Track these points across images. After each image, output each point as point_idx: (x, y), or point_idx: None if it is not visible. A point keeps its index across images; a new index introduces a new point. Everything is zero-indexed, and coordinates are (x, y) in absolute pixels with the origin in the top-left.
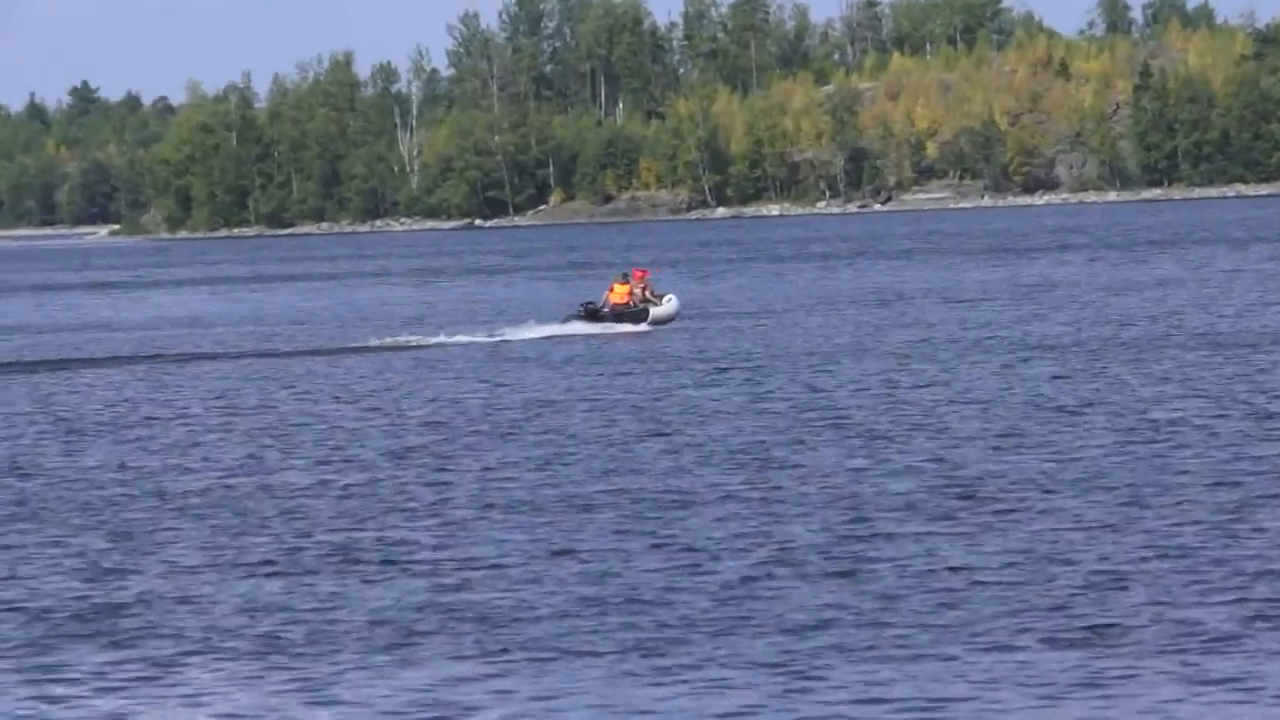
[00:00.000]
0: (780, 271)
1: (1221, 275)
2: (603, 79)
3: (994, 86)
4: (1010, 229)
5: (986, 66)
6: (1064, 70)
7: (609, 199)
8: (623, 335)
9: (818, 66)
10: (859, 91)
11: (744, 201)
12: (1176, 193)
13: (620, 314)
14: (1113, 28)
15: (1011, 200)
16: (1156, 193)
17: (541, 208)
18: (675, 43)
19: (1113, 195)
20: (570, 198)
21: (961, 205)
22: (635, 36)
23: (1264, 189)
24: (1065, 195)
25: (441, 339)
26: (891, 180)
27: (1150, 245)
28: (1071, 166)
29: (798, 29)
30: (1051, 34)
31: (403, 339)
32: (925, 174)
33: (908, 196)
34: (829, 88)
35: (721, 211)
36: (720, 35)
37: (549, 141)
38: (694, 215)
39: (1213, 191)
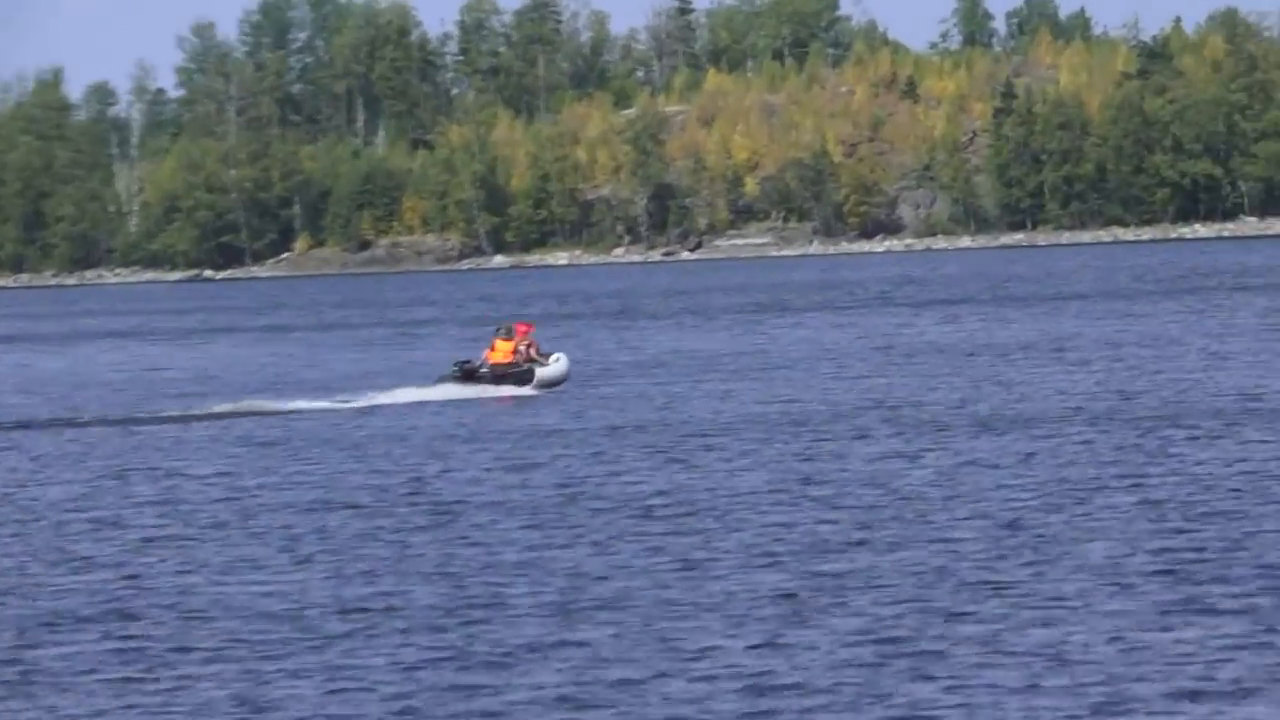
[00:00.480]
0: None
1: (1067, 338)
2: (361, 101)
3: (828, 110)
4: (841, 280)
5: (819, 87)
6: (911, 91)
7: (365, 245)
8: (504, 399)
9: (618, 86)
10: (666, 116)
11: (526, 248)
12: (1042, 237)
13: (502, 375)
14: (970, 40)
15: (846, 247)
16: (1019, 237)
17: (284, 256)
18: (449, 58)
19: (966, 240)
20: (319, 244)
21: (786, 253)
22: (400, 50)
23: (1145, 233)
24: (910, 240)
25: (298, 405)
26: (703, 223)
27: (1007, 300)
28: (918, 206)
29: (594, 42)
30: (897, 48)
31: (250, 405)
32: (744, 215)
33: (722, 242)
34: (631, 112)
35: (499, 260)
36: (502, 50)
37: (295, 176)
38: (466, 264)
39: (1085, 235)
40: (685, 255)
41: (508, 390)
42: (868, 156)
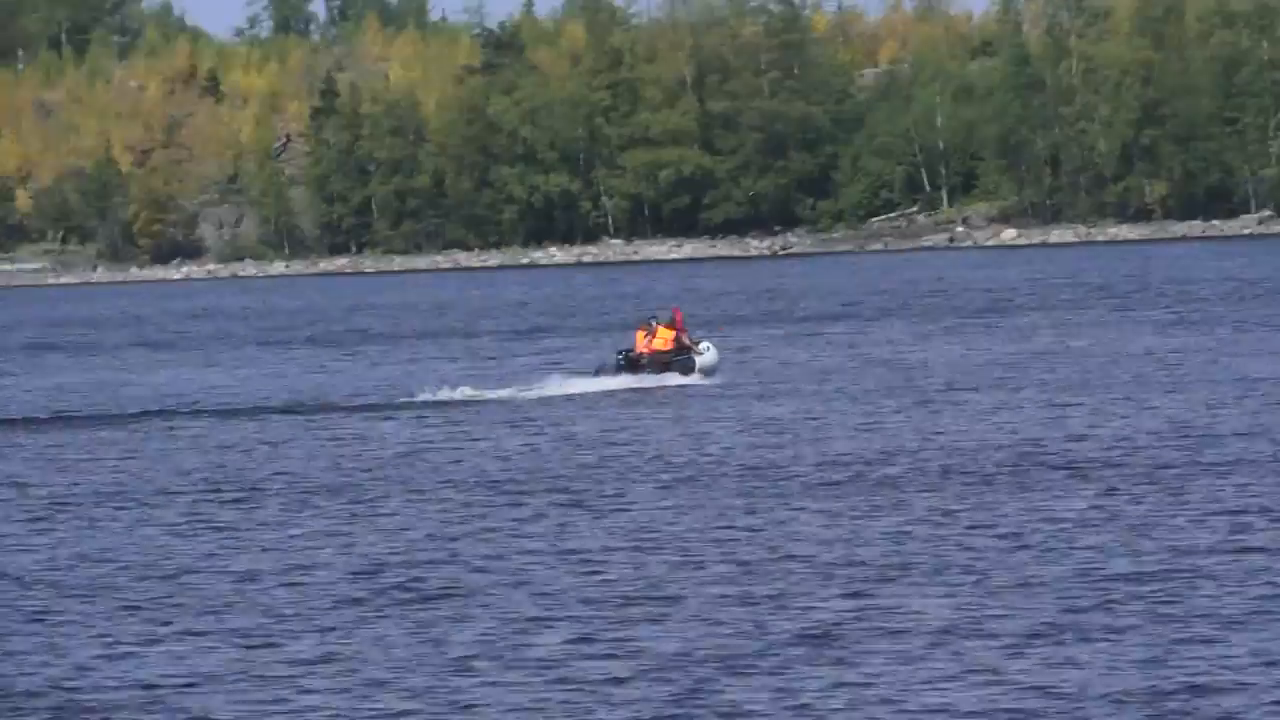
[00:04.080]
0: None
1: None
2: None
3: (114, 111)
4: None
5: (104, 82)
6: (214, 87)
7: None
8: (674, 389)
9: None
10: None
11: None
12: (369, 262)
13: (666, 363)
14: (284, 28)
15: (137, 274)
16: (341, 262)
17: None
18: None
19: (280, 266)
20: None
21: (66, 280)
22: None
23: (492, 257)
24: (213, 266)
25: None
26: None
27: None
28: (222, 225)
29: None
30: (197, 36)
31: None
32: (14, 236)
33: None
34: None
35: None
36: None
37: None
38: None
39: (421, 261)
40: None
41: (674, 379)
42: (162, 166)
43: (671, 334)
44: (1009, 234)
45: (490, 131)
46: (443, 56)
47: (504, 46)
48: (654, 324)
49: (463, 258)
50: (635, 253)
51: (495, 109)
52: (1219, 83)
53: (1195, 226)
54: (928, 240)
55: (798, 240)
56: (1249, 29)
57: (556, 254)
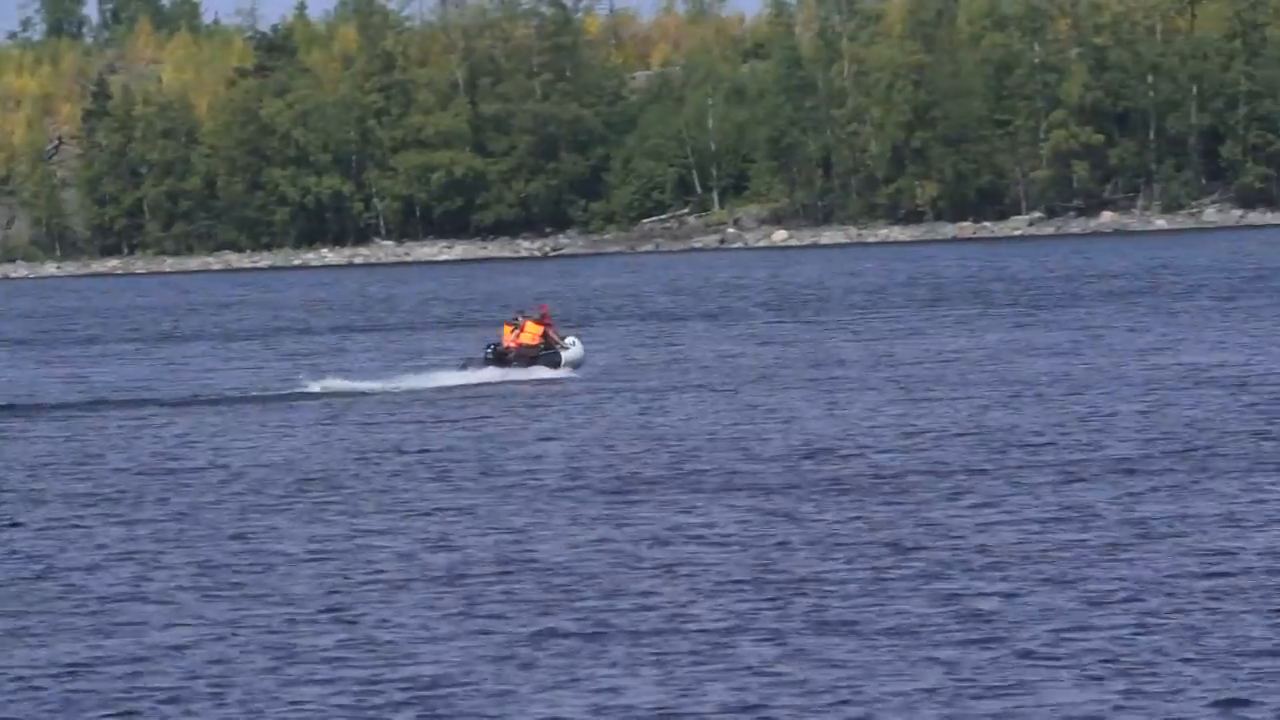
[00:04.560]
0: None
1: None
2: None
3: None
4: None
5: None
6: None
7: None
8: (539, 382)
9: None
10: None
11: None
12: (141, 263)
13: (533, 357)
14: (57, 30)
15: None
16: (113, 263)
17: None
18: None
19: (52, 268)
20: None
21: None
22: None
23: (264, 259)
24: None
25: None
26: None
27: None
28: None
29: None
30: None
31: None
32: None
33: None
34: None
35: None
36: None
37: None
38: None
39: (193, 262)
40: None
41: (541, 372)
42: None
43: (539, 329)
44: (780, 235)
45: (262, 134)
46: (215, 59)
47: (276, 49)
48: (520, 319)
49: (234, 259)
50: (407, 254)
51: (267, 111)
52: (990, 85)
53: (966, 228)
54: (698, 241)
55: (569, 242)
56: (1020, 32)
57: (329, 255)
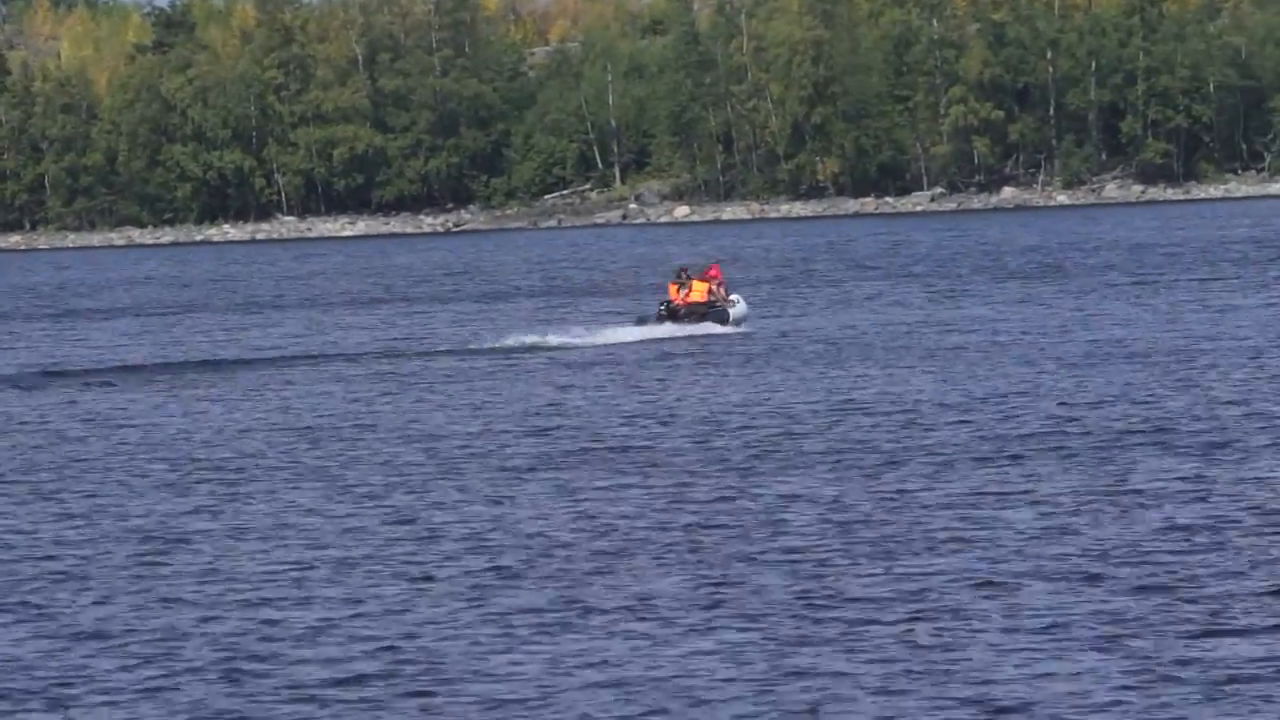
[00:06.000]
0: None
1: None
2: None
3: None
4: None
5: None
6: None
7: None
8: (712, 338)
9: None
10: None
11: None
12: (44, 239)
13: (703, 314)
14: None
15: None
16: (15, 239)
17: None
18: None
19: None
20: None
21: None
22: None
23: (165, 234)
24: None
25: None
26: None
27: None
28: None
29: None
30: None
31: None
32: None
33: None
34: None
35: None
36: None
37: None
38: None
39: (95, 238)
40: None
41: (711, 328)
42: None
43: (706, 286)
44: (682, 211)
45: (163, 110)
46: (113, 35)
47: (175, 25)
48: (684, 277)
49: (136, 235)
50: (309, 230)
51: (168, 87)
52: (889, 61)
53: (868, 204)
54: (600, 217)
55: (471, 217)
56: (919, 8)
57: (231, 231)
